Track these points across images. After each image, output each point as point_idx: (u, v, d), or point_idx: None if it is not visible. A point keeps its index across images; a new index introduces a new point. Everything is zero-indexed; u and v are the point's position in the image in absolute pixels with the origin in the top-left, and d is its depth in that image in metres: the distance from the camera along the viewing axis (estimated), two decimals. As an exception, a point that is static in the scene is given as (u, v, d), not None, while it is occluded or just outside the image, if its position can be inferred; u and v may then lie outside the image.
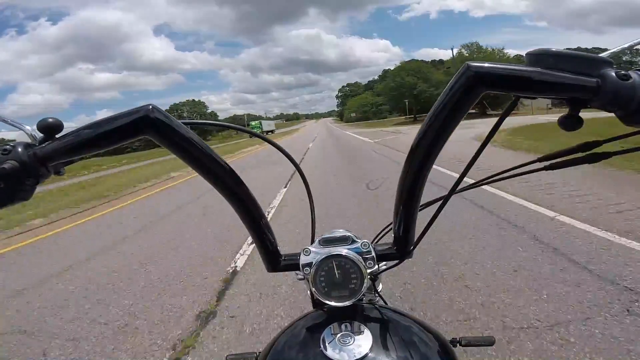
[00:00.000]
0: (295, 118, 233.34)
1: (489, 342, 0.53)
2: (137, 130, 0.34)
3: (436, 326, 0.45)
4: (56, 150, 0.34)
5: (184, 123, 0.36)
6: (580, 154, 0.36)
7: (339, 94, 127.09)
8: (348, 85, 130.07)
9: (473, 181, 0.49)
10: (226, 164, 0.39)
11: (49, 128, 0.34)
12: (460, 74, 0.30)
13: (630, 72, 0.28)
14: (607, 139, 0.36)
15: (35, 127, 0.35)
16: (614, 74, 0.28)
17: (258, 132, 0.70)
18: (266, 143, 0.52)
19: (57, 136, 0.35)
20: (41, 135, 0.35)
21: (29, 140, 0.35)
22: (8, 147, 0.33)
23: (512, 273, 2.27)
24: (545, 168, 0.39)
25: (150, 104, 0.34)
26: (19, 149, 0.33)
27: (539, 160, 0.40)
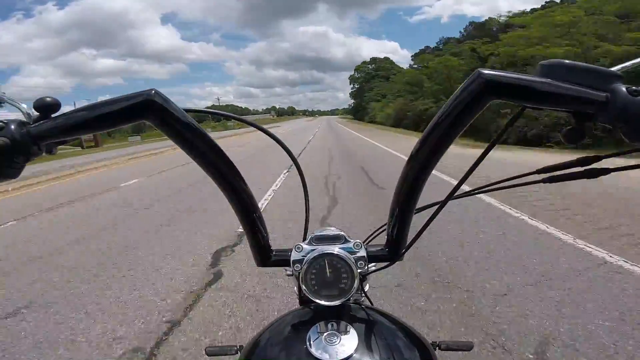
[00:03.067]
0: (290, 113, 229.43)
1: (468, 347, 0.54)
2: (138, 114, 0.33)
3: (419, 330, 0.45)
4: (50, 130, 0.33)
5: (186, 110, 0.36)
6: (579, 168, 0.36)
7: (356, 75, 69.63)
8: (372, 61, 67.70)
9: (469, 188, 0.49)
10: (225, 154, 0.38)
11: (46, 107, 0.34)
12: (471, 81, 0.30)
13: None
14: (607, 154, 0.36)
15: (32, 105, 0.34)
16: (624, 89, 0.28)
17: None
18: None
19: (53, 116, 0.34)
20: (37, 113, 0.34)
21: (24, 118, 0.34)
22: (1, 123, 0.32)
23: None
24: (544, 180, 0.39)
25: (152, 89, 0.34)
26: (12, 126, 0.32)
27: (538, 172, 0.40)
